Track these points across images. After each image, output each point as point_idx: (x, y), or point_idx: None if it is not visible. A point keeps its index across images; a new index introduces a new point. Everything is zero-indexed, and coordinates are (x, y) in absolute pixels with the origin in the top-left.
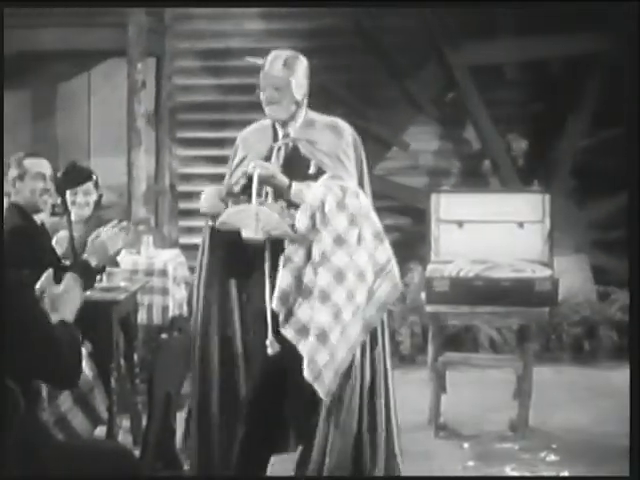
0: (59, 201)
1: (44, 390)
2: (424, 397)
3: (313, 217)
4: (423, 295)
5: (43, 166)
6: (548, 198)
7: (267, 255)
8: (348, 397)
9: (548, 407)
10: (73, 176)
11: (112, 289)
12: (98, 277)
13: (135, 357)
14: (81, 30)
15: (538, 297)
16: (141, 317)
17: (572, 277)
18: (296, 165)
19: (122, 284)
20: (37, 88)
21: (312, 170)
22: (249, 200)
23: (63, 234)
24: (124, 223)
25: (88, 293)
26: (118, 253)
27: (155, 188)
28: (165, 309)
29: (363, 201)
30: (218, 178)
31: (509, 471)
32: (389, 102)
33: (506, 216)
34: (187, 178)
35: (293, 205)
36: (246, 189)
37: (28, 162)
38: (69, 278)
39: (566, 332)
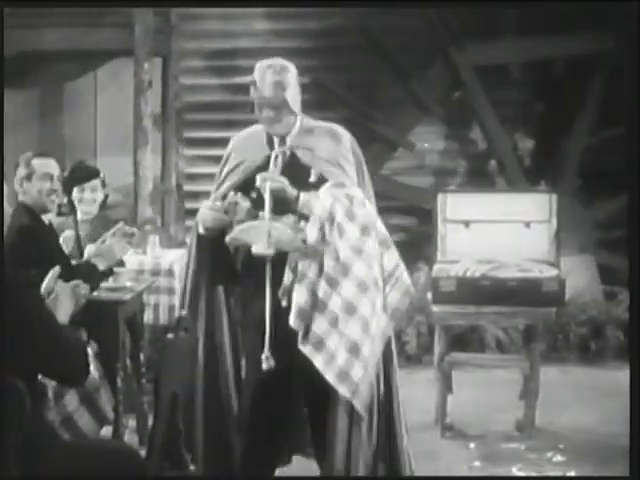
0: (65, 201)
1: (50, 390)
2: (430, 397)
3: (322, 229)
4: (429, 295)
5: (51, 166)
6: (555, 198)
7: (268, 268)
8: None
9: (555, 407)
10: (80, 174)
11: (118, 289)
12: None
13: (141, 357)
14: (88, 30)
15: (545, 297)
16: (147, 317)
17: (579, 277)
18: (296, 174)
19: (128, 284)
20: (44, 88)
21: (313, 178)
22: (252, 212)
23: (69, 233)
24: (132, 229)
25: (95, 293)
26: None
27: (161, 188)
28: (171, 309)
29: (370, 209)
30: None
31: (515, 471)
32: (395, 103)
33: (513, 216)
34: (193, 178)
35: (302, 217)
36: (253, 202)
37: (36, 162)
38: (60, 286)
39: (573, 332)
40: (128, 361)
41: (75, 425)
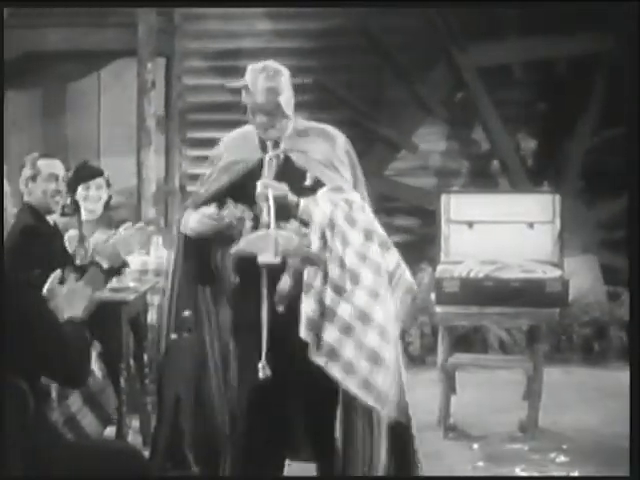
0: (68, 201)
1: (54, 390)
2: (433, 398)
3: (324, 236)
4: (433, 296)
5: (56, 167)
6: (558, 198)
7: (265, 274)
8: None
9: (558, 408)
10: (85, 173)
11: (122, 289)
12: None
13: (145, 357)
14: (91, 30)
15: (548, 298)
16: (151, 317)
17: (582, 278)
18: (290, 177)
19: (132, 284)
20: (47, 88)
21: (309, 182)
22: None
23: (73, 233)
24: (139, 224)
25: (98, 294)
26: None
27: (165, 188)
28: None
29: (368, 213)
30: None
31: (519, 472)
32: (397, 104)
33: (516, 217)
34: (197, 178)
35: (303, 223)
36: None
37: (42, 163)
38: (70, 279)
39: (576, 333)
40: (132, 361)
41: (78, 425)
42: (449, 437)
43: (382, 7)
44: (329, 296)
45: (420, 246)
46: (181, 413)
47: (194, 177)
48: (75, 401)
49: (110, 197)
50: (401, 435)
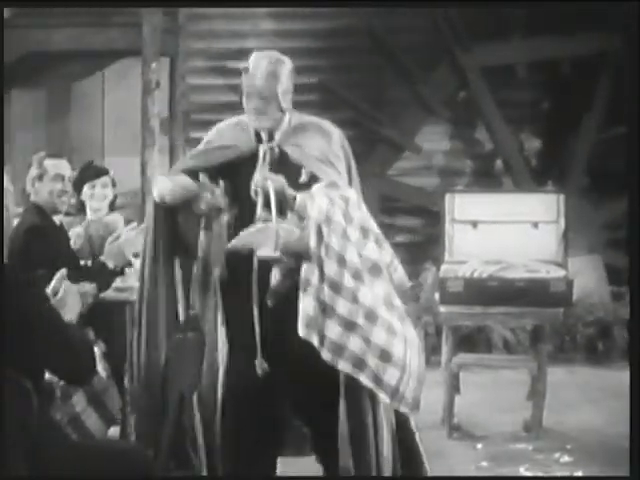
0: (73, 201)
1: (58, 390)
2: (438, 398)
3: (320, 232)
4: (437, 295)
5: (63, 167)
6: (563, 198)
7: (256, 268)
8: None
9: (562, 408)
10: (90, 172)
11: (126, 289)
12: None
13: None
14: (95, 30)
15: (552, 298)
16: None
17: (586, 278)
18: (286, 172)
19: (136, 284)
20: (51, 88)
21: (304, 178)
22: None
23: (78, 230)
24: (144, 225)
25: (101, 294)
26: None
27: None
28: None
29: (364, 210)
30: None
31: (523, 472)
32: (401, 104)
33: (520, 216)
34: None
35: (299, 217)
36: (245, 203)
37: (48, 163)
38: (67, 286)
39: (580, 333)
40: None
41: (82, 425)
42: (453, 437)
43: (386, 7)
44: (327, 293)
45: (424, 246)
46: (185, 412)
47: None
48: (79, 401)
49: (115, 196)
50: (404, 430)
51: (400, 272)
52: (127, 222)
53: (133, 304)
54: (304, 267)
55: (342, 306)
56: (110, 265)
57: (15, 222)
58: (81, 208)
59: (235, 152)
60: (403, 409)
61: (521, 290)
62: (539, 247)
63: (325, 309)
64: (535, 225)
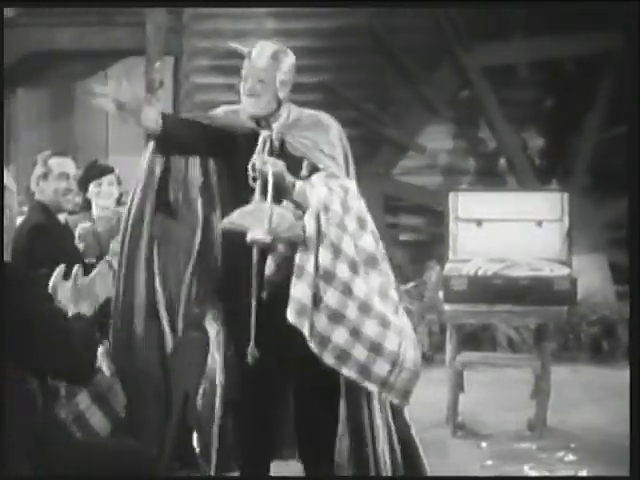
0: (78, 199)
1: (62, 388)
2: (442, 396)
3: (318, 220)
4: (441, 294)
5: (67, 166)
6: (567, 197)
7: (255, 256)
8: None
9: (566, 406)
10: (95, 171)
11: None
12: None
13: None
14: (99, 29)
15: (556, 296)
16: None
17: (590, 276)
18: (286, 164)
19: None
20: (55, 87)
21: (305, 172)
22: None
23: (87, 225)
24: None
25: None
26: None
27: None
28: None
29: (362, 202)
30: None
31: (527, 470)
32: (404, 104)
33: (525, 215)
34: None
35: (297, 205)
36: (245, 186)
37: (53, 161)
38: (78, 276)
39: (584, 331)
40: None
41: (87, 423)
42: (457, 435)
43: (388, 7)
44: (319, 282)
45: (428, 245)
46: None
47: None
48: (83, 399)
49: (121, 194)
50: (400, 423)
51: (388, 270)
52: None
53: None
54: (299, 254)
55: (331, 297)
56: (115, 265)
57: (19, 221)
58: (86, 206)
59: (236, 126)
60: (392, 399)
61: (525, 288)
62: (543, 245)
63: (315, 299)
64: (539, 224)
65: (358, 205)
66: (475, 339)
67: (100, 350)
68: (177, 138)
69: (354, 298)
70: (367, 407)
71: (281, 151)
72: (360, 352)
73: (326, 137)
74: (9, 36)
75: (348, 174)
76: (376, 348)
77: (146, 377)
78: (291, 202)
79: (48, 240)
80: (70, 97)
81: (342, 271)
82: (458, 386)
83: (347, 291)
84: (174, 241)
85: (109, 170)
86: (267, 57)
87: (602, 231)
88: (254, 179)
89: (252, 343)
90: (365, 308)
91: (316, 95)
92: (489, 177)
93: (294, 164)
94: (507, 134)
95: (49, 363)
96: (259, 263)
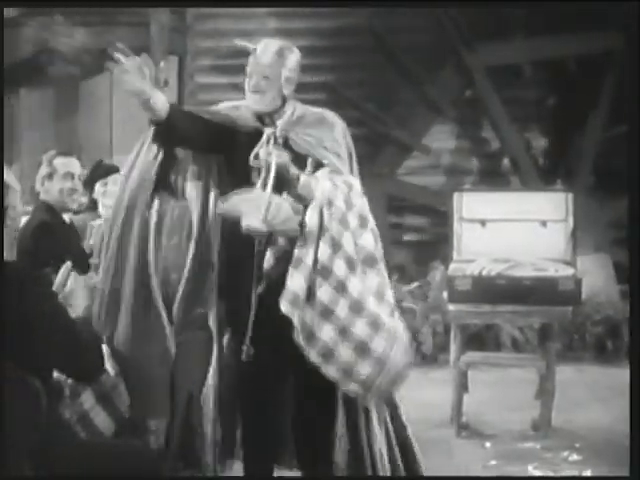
0: (83, 199)
1: (67, 388)
2: (446, 396)
3: (321, 214)
4: (445, 294)
5: (73, 166)
6: (571, 197)
7: (256, 247)
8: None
9: (570, 406)
10: (101, 171)
11: None
12: None
13: None
14: (103, 29)
15: (561, 296)
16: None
17: (595, 276)
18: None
19: None
20: (58, 87)
21: (309, 169)
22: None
23: (98, 222)
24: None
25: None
26: None
27: None
28: None
29: (364, 200)
30: None
31: (531, 470)
32: (408, 104)
33: (529, 215)
34: None
35: (300, 199)
36: (248, 176)
37: (58, 161)
38: (74, 279)
39: (589, 331)
40: None
41: (91, 423)
42: (462, 435)
43: (390, 7)
44: (314, 277)
45: (432, 245)
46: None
47: None
48: (88, 399)
49: None
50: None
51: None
52: None
53: None
54: (298, 246)
55: (325, 292)
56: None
57: (24, 220)
58: (92, 206)
59: (238, 123)
60: (370, 399)
61: (529, 288)
62: (547, 245)
63: (309, 292)
64: (543, 224)
65: (361, 203)
66: (479, 339)
67: (105, 349)
68: (180, 130)
69: (347, 296)
70: (364, 407)
71: (285, 148)
72: (345, 352)
73: (330, 134)
74: (11, 36)
75: (352, 172)
76: (362, 349)
77: (148, 373)
78: (292, 196)
79: (52, 239)
80: (74, 97)
81: (339, 268)
82: (462, 386)
83: (341, 288)
84: (171, 231)
85: (115, 170)
86: (272, 53)
87: (606, 231)
88: (257, 170)
89: (247, 340)
90: (357, 307)
91: (318, 95)
92: (493, 177)
93: (298, 161)
94: (510, 134)
95: (56, 362)
96: (259, 254)
